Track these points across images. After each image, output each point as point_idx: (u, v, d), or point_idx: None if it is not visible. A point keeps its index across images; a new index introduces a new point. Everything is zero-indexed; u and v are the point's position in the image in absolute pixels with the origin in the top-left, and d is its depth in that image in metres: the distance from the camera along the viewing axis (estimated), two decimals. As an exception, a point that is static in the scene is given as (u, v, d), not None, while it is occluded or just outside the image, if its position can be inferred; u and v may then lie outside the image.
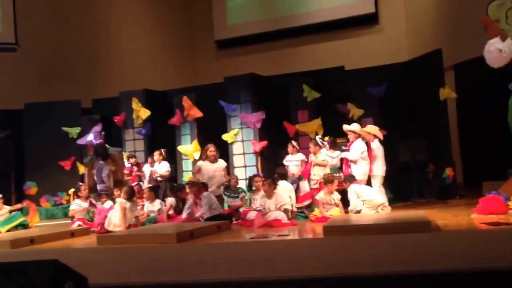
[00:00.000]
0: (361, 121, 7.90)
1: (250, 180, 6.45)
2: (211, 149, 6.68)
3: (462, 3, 8.86)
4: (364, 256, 3.01)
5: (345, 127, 6.37)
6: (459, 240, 3.58)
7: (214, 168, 6.58)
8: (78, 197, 6.87)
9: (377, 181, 6.14)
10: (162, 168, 7.81)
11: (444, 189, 7.32)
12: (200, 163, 6.79)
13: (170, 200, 6.64)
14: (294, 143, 6.97)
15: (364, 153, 6.12)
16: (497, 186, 5.56)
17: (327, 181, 5.92)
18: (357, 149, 6.14)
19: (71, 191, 7.44)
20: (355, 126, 6.29)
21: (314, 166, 6.53)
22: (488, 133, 8.09)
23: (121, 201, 5.98)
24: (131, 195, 6.05)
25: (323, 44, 11.08)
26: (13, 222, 6.52)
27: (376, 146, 6.25)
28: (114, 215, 5.97)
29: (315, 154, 6.60)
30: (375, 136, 6.27)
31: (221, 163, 6.76)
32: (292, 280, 2.45)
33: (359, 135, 6.20)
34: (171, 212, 6.56)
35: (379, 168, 6.18)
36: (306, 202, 6.41)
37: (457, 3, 9.04)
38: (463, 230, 4.37)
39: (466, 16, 8.50)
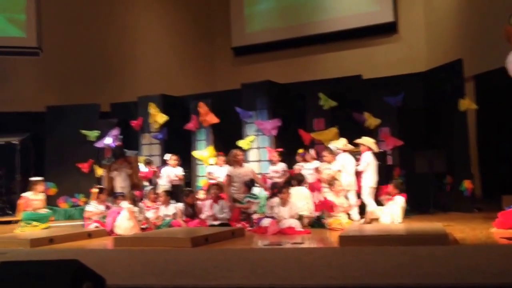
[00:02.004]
0: (377, 130, 7.86)
1: (276, 188, 6.44)
2: (239, 153, 6.75)
3: (484, 12, 8.74)
4: (379, 267, 2.98)
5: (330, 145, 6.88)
6: (478, 254, 3.51)
7: (243, 173, 6.62)
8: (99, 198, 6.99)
9: (365, 192, 6.33)
10: (178, 173, 7.93)
11: (462, 202, 7.19)
12: (230, 172, 6.69)
13: (179, 205, 6.71)
14: (311, 151, 7.08)
15: (344, 166, 6.45)
16: (517, 200, 5.44)
17: (330, 183, 6.13)
18: (336, 163, 6.59)
19: (95, 190, 7.54)
20: (333, 146, 6.73)
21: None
22: (508, 145, 7.92)
23: (128, 206, 6.08)
24: (135, 200, 6.16)
25: (341, 53, 11.05)
26: (41, 224, 6.65)
27: (367, 157, 6.45)
28: (122, 220, 6.06)
29: (329, 162, 6.63)
30: (369, 148, 6.48)
31: (247, 167, 6.83)
32: (307, 289, 2.45)
33: (343, 150, 6.66)
34: (183, 218, 6.62)
35: (368, 179, 6.34)
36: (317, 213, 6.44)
37: (479, 13, 8.92)
38: (482, 244, 4.28)
39: (488, 26, 8.38)
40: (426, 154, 7.43)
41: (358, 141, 6.63)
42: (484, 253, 3.60)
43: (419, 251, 3.63)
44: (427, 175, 7.36)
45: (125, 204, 6.17)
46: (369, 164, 6.38)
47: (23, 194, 7.02)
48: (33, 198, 6.91)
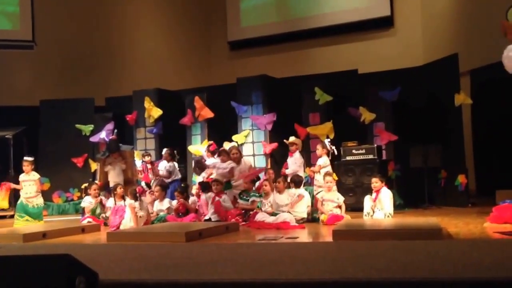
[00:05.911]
0: (372, 125, 7.86)
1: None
2: (234, 151, 6.76)
3: (481, 7, 8.73)
4: (373, 261, 2.98)
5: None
6: (472, 249, 3.52)
7: (238, 170, 6.62)
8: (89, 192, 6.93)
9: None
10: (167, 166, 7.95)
11: (456, 197, 7.22)
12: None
13: (173, 201, 6.68)
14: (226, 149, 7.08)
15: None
16: (511, 194, 5.46)
17: (325, 175, 6.14)
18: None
19: (84, 185, 7.44)
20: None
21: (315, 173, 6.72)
22: (503, 140, 7.96)
23: (130, 202, 6.04)
24: (136, 196, 6.13)
25: (337, 47, 11.03)
26: (34, 221, 6.57)
27: (296, 156, 6.98)
28: (127, 218, 6.02)
29: (321, 157, 6.64)
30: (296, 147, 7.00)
31: (245, 164, 6.85)
32: (301, 283, 2.44)
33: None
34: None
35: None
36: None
37: (476, 8, 8.91)
38: (476, 238, 4.30)
39: (484, 20, 8.38)
40: (421, 148, 7.44)
41: (288, 141, 7.09)
42: (477, 247, 3.61)
43: (413, 246, 3.63)
44: (422, 169, 7.38)
45: (128, 201, 6.13)
46: (295, 163, 6.90)
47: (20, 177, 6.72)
48: (24, 179, 6.62)
